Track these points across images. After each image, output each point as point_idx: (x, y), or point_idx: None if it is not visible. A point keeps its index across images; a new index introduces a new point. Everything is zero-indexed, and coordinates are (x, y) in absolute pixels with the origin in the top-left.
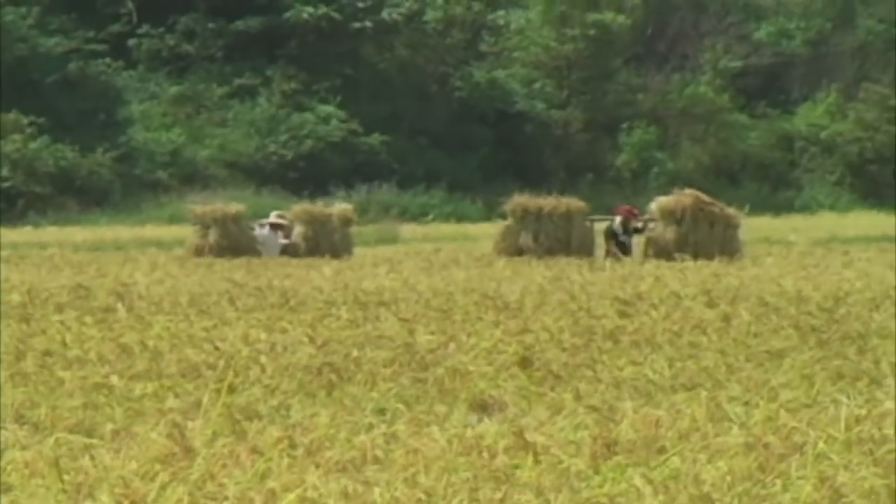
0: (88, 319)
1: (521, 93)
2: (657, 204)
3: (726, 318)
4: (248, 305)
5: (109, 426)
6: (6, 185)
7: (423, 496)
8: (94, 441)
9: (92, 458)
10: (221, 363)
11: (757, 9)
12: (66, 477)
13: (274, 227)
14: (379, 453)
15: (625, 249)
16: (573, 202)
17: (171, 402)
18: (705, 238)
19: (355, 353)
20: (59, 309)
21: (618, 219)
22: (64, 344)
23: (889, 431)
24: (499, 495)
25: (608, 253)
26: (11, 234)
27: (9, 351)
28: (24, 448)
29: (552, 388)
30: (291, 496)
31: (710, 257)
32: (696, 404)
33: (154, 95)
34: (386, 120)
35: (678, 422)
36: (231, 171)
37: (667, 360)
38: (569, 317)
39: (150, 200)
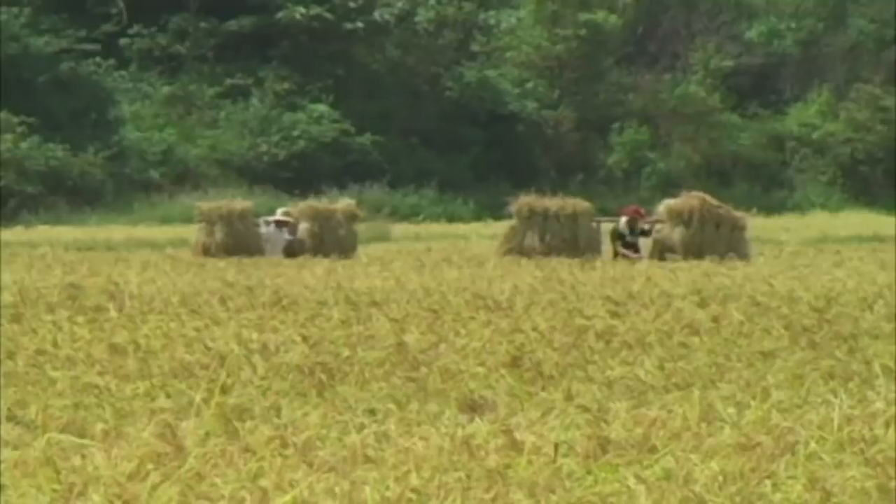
0: (80, 319)
1: (513, 93)
2: (664, 206)
3: (717, 319)
4: (240, 305)
5: (101, 426)
6: None
7: (414, 496)
8: (86, 441)
9: (83, 458)
10: (213, 363)
11: (748, 9)
12: (57, 477)
13: (279, 224)
14: (370, 453)
15: (632, 250)
16: (579, 203)
17: (162, 401)
18: (712, 240)
19: (347, 352)
20: (51, 308)
21: (624, 219)
22: (55, 343)
23: (880, 431)
24: (490, 495)
25: (615, 254)
26: (2, 234)
27: None
28: (15, 448)
29: (543, 388)
30: (286, 498)
31: (717, 258)
32: (688, 404)
33: (146, 95)
34: (377, 120)
35: (670, 422)
36: (223, 170)
37: (658, 360)
38: (560, 317)
39: (141, 200)
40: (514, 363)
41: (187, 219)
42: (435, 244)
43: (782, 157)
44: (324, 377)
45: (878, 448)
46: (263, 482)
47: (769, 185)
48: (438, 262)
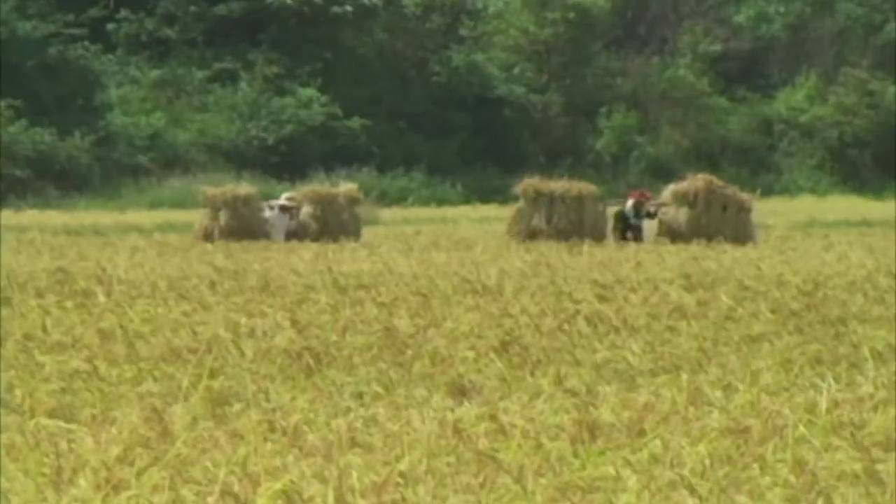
0: (68, 304)
1: (501, 77)
2: (670, 188)
3: (705, 303)
4: (228, 290)
5: (89, 410)
6: None
7: (402, 480)
8: (74, 426)
9: (71, 442)
10: (201, 348)
11: None
12: (45, 461)
13: (283, 209)
14: (358, 437)
15: (636, 233)
16: (585, 185)
17: (150, 386)
18: (718, 221)
19: (335, 337)
20: (39, 293)
21: (630, 202)
22: (44, 328)
23: (868, 415)
24: (479, 479)
25: (621, 236)
26: None
27: None
28: (2, 432)
29: (532, 373)
30: (277, 485)
31: (723, 240)
32: (676, 388)
33: (134, 79)
34: (366, 104)
35: (658, 406)
36: (211, 155)
37: (646, 344)
38: (549, 301)
39: (129, 185)
40: (503, 347)
41: (176, 203)
42: (423, 228)
43: (770, 141)
44: (312, 361)
45: (867, 432)
46: (251, 466)
47: (757, 169)
48: (427, 246)
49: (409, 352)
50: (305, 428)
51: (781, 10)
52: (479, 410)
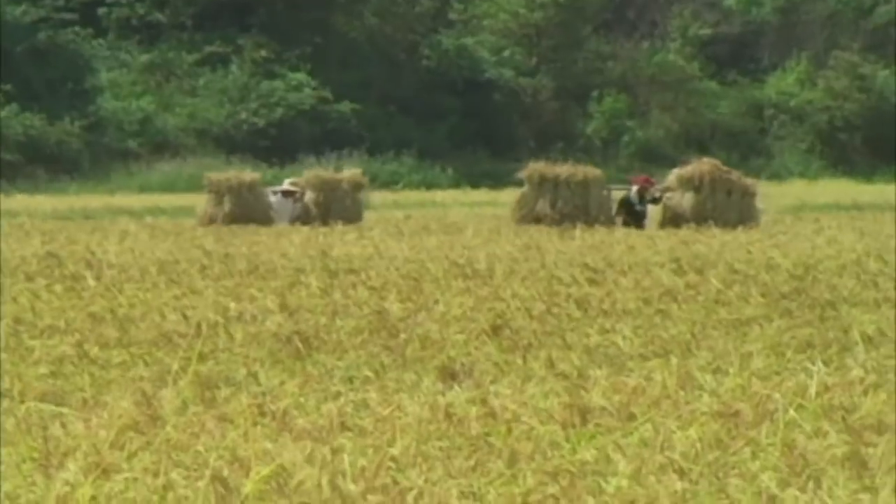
0: (58, 288)
1: (491, 60)
2: (675, 173)
3: (696, 286)
4: (218, 273)
5: (79, 395)
6: None
7: (393, 464)
8: (64, 410)
9: (62, 426)
10: (191, 332)
11: None
12: (35, 445)
13: (286, 194)
14: (349, 421)
15: (640, 218)
16: (590, 170)
17: (141, 370)
18: (723, 206)
19: (325, 321)
20: (29, 277)
21: (634, 188)
22: (34, 312)
23: (858, 399)
24: (470, 463)
25: (624, 222)
26: None
27: None
28: None
29: (523, 357)
30: (265, 470)
31: (727, 225)
32: (667, 372)
33: (124, 64)
34: (356, 88)
35: (649, 389)
36: (201, 139)
37: (637, 328)
38: (539, 285)
39: (119, 169)
40: (494, 331)
41: (166, 187)
42: (413, 212)
43: (761, 125)
44: (302, 345)
45: (857, 416)
46: (241, 451)
47: (748, 153)
48: (417, 230)
49: (401, 336)
50: (295, 412)
51: None
52: (470, 394)
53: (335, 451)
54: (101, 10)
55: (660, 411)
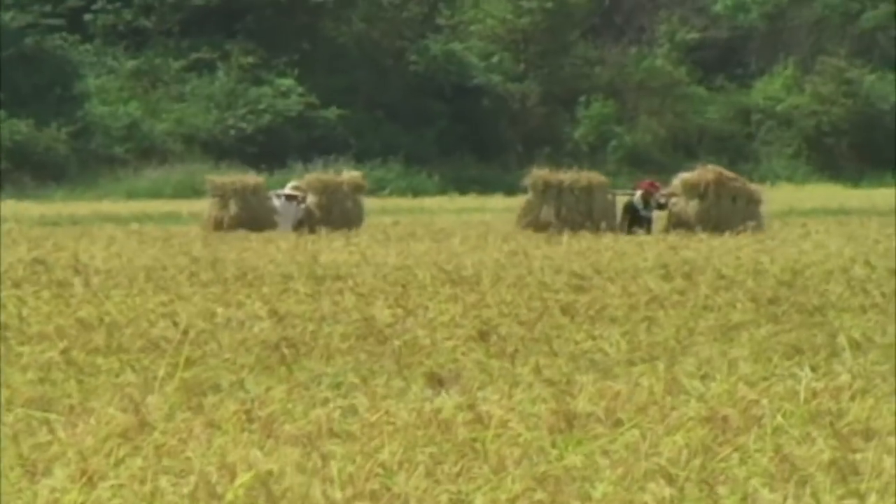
0: (46, 294)
1: (478, 66)
2: (680, 179)
3: (683, 292)
4: (206, 280)
5: (66, 401)
6: None
7: (381, 470)
8: (52, 416)
9: (50, 432)
10: (179, 338)
11: None
12: (22, 452)
13: (289, 197)
14: (336, 427)
15: (646, 225)
16: (595, 176)
17: (128, 376)
18: (728, 213)
19: (312, 327)
20: (16, 284)
21: (638, 193)
22: (21, 319)
23: (846, 405)
24: (457, 468)
25: (626, 227)
26: None
27: None
28: None
29: (510, 363)
30: (246, 476)
31: (732, 231)
32: (654, 377)
33: (111, 70)
34: (343, 94)
35: (635, 395)
36: (189, 145)
37: (624, 333)
38: (526, 291)
39: (106, 175)
40: (481, 337)
41: (153, 193)
42: (401, 218)
43: (748, 130)
44: (289, 351)
45: (845, 421)
46: (229, 457)
47: (735, 158)
48: (404, 237)
49: (388, 342)
50: (283, 418)
51: None
52: (457, 400)
53: (323, 458)
54: (88, 16)
55: (647, 417)
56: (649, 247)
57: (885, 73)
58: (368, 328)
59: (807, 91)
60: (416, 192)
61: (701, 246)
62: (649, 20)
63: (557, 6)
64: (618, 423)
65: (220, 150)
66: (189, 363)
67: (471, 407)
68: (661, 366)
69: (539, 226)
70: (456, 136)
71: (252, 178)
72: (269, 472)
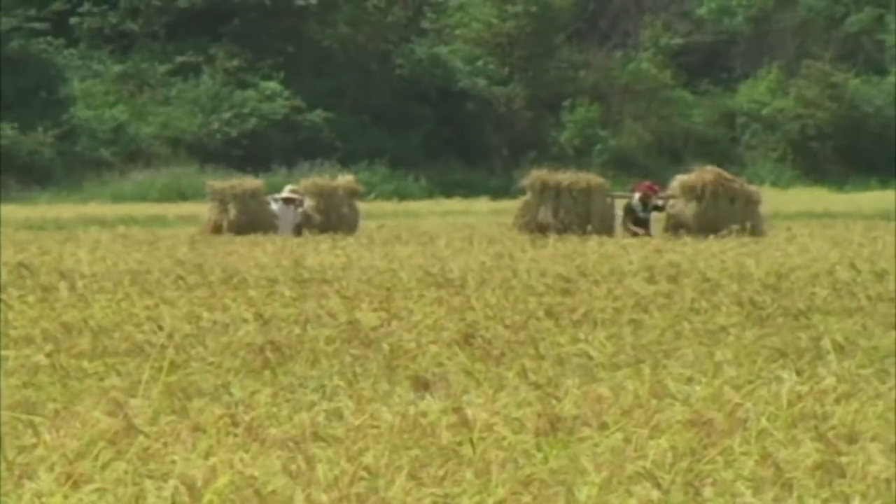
0: (31, 298)
1: (463, 70)
2: (678, 181)
3: (669, 295)
4: (191, 283)
5: (51, 405)
6: None
7: (366, 474)
8: (37, 419)
9: (35, 436)
10: (164, 342)
11: None
12: (7, 455)
13: (287, 201)
14: (321, 431)
15: (643, 226)
16: (593, 178)
17: (113, 380)
18: (726, 214)
19: (297, 330)
20: (1, 287)
21: (637, 195)
22: (6, 322)
23: (830, 408)
24: (442, 472)
25: (626, 229)
26: None
27: None
28: None
29: (495, 366)
30: (223, 479)
31: (730, 233)
32: (639, 381)
33: (96, 73)
34: (328, 97)
35: (621, 398)
36: (174, 148)
37: (609, 336)
38: (512, 294)
39: (92, 178)
40: (466, 341)
41: (139, 197)
42: (386, 222)
43: (733, 134)
44: (274, 355)
45: (829, 424)
46: (213, 461)
47: (720, 162)
48: (390, 240)
49: (373, 345)
50: (268, 422)
51: (744, 2)
52: (442, 404)
53: (308, 461)
54: (74, 20)
55: (632, 420)
56: (634, 250)
57: (869, 76)
58: (353, 332)
59: (791, 95)
60: (402, 196)
61: (686, 249)
62: (634, 24)
63: (542, 10)
64: (603, 426)
65: (205, 154)
66: (174, 367)
67: (456, 410)
68: (646, 369)
69: (537, 227)
70: (441, 139)
71: (251, 182)
72: (254, 476)
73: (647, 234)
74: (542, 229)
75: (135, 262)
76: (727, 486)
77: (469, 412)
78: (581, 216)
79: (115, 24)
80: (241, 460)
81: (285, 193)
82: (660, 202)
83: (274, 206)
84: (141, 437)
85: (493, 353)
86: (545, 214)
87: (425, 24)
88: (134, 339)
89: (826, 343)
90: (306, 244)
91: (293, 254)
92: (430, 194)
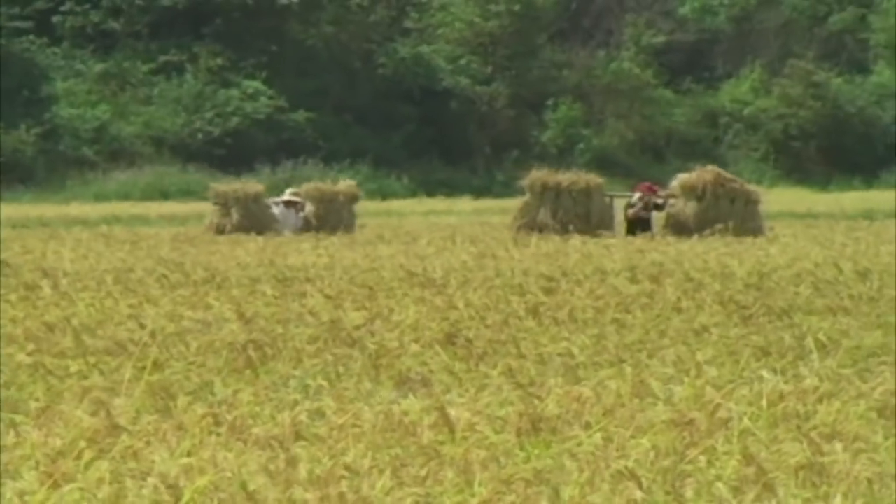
0: (13, 297)
1: (446, 69)
2: (678, 180)
3: (651, 295)
4: (173, 282)
5: (34, 404)
6: None
7: (347, 473)
8: (19, 418)
9: (17, 435)
10: (147, 340)
11: None
12: None
13: (288, 204)
14: (304, 430)
15: (645, 226)
16: (592, 178)
17: (95, 379)
18: (726, 214)
19: (280, 329)
20: None
21: (637, 195)
22: None
23: (813, 407)
24: (424, 472)
25: (629, 230)
26: None
27: None
28: None
29: (477, 365)
30: (203, 479)
31: (731, 233)
32: (622, 380)
33: (79, 72)
34: (311, 96)
35: (603, 398)
36: (157, 147)
37: (591, 336)
38: (494, 294)
39: (75, 177)
40: (449, 340)
41: (122, 196)
42: (369, 221)
43: (715, 133)
44: (257, 354)
45: (812, 424)
46: (196, 460)
47: (702, 161)
48: (372, 239)
49: (356, 345)
50: (251, 421)
51: (726, 2)
52: (424, 403)
53: (290, 460)
54: (56, 19)
55: (614, 420)
56: (617, 249)
57: (852, 76)
58: (336, 331)
59: (774, 94)
60: (385, 195)
61: (669, 249)
62: (617, 23)
63: (525, 9)
64: (585, 425)
65: (188, 153)
66: (156, 366)
67: (438, 410)
68: (628, 369)
69: (536, 227)
70: (424, 138)
71: (253, 185)
72: (236, 475)
73: (648, 233)
74: (541, 229)
75: (118, 260)
76: (709, 486)
77: (451, 412)
78: (580, 216)
79: (97, 23)
80: (224, 459)
81: (286, 196)
82: (660, 201)
83: (275, 210)
84: (124, 436)
85: (476, 353)
86: (544, 215)
87: (408, 24)
88: (116, 338)
89: (809, 342)
90: (289, 244)
91: (275, 253)
92: (412, 193)
